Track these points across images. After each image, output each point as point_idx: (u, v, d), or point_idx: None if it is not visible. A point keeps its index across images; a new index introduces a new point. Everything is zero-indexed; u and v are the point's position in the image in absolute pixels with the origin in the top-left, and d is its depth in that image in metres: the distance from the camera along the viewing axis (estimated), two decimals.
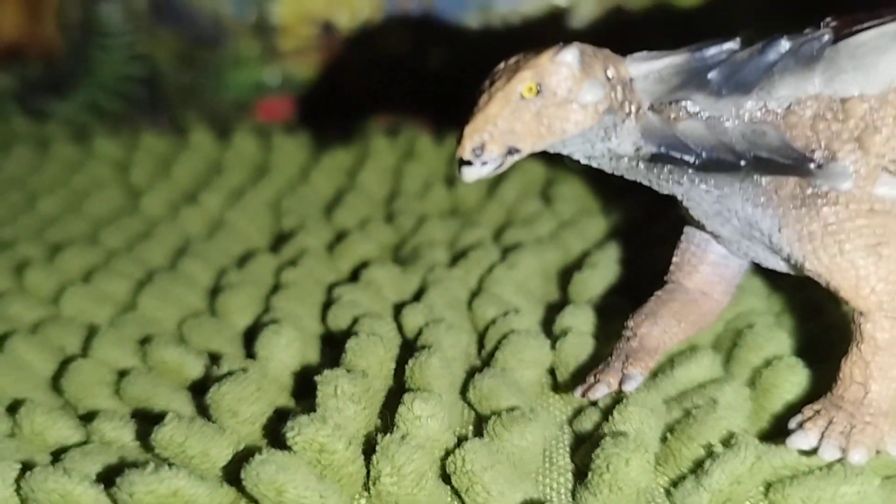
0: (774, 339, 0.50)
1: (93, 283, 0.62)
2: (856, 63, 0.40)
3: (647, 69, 0.42)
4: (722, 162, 0.41)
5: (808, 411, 0.43)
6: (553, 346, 0.51)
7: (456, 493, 0.42)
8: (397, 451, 0.41)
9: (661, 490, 0.44)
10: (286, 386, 0.50)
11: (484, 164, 0.39)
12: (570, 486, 0.44)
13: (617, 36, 0.89)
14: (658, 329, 0.46)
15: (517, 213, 0.71)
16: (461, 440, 0.43)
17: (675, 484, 0.43)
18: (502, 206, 0.73)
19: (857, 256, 0.41)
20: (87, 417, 0.48)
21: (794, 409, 0.46)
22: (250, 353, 0.52)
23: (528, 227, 0.67)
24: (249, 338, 0.55)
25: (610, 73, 0.41)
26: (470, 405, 0.48)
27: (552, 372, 0.52)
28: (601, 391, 0.43)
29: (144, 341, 0.54)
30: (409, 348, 0.51)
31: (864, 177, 0.41)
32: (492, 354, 0.51)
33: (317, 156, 0.84)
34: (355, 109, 0.95)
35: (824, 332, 0.52)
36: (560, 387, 0.51)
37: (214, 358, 0.52)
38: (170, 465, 0.40)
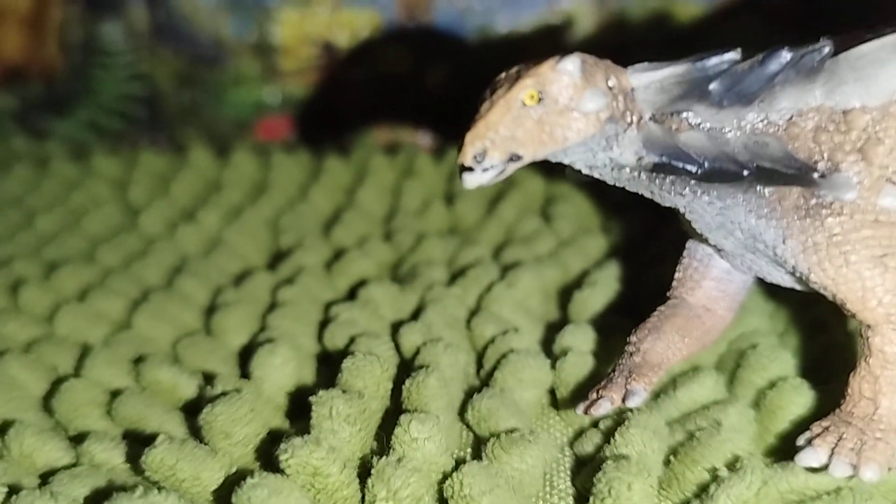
0: (778, 359, 0.49)
1: (88, 302, 0.61)
2: (857, 74, 0.40)
3: (649, 79, 0.41)
4: (724, 172, 0.41)
5: (816, 428, 0.42)
6: (553, 366, 0.50)
7: None
8: (393, 474, 0.40)
9: None
10: (281, 406, 0.49)
11: (485, 170, 0.39)
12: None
13: (616, 50, 0.88)
14: (661, 344, 0.45)
15: (516, 232, 0.70)
16: (459, 463, 0.42)
17: None
18: (501, 224, 0.72)
19: (863, 268, 0.40)
20: (79, 439, 0.47)
21: (800, 429, 0.45)
22: (245, 373, 0.52)
23: (528, 246, 0.66)
24: (245, 357, 0.54)
25: (611, 82, 0.41)
26: (468, 426, 0.47)
27: (552, 392, 0.51)
28: (604, 407, 0.42)
29: (138, 361, 0.53)
30: (406, 368, 0.51)
31: (868, 188, 0.40)
32: (491, 374, 0.50)
33: (315, 174, 0.83)
34: (354, 127, 0.94)
35: (829, 352, 0.51)
36: (560, 407, 0.50)
37: (209, 378, 0.51)
38: (159, 488, 0.39)
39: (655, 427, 0.44)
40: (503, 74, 0.41)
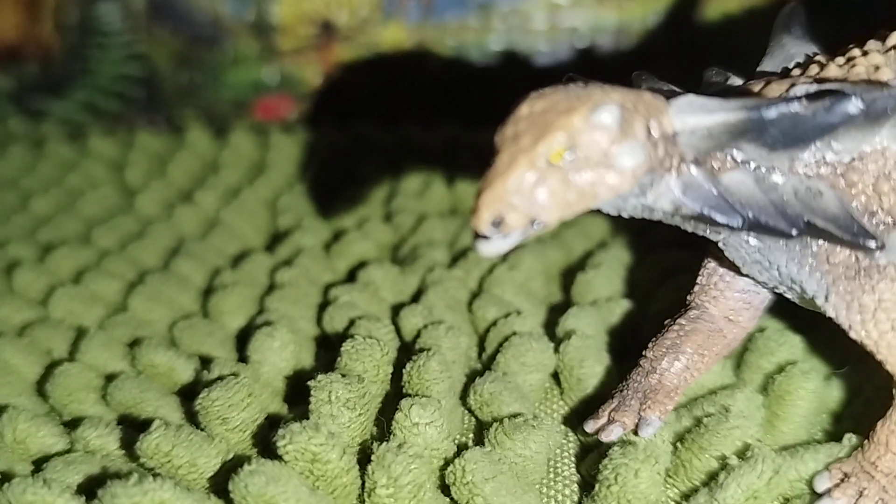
0: (787, 343, 0.48)
1: (83, 285, 0.60)
2: None
3: (696, 124, 0.36)
4: (771, 229, 0.36)
5: (836, 473, 0.40)
6: (556, 350, 0.49)
7: (455, 503, 0.41)
8: (394, 460, 0.39)
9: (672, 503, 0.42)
10: (279, 391, 0.49)
11: (503, 237, 0.34)
12: (576, 497, 0.42)
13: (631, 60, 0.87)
14: (680, 365, 0.43)
15: None
16: (461, 449, 0.41)
17: (686, 497, 0.41)
18: None
19: None
20: (73, 424, 0.46)
21: (807, 417, 0.45)
22: (243, 357, 0.51)
23: None
24: (243, 340, 0.53)
25: (653, 128, 0.35)
26: (470, 411, 0.46)
27: (556, 376, 0.50)
28: (616, 433, 0.40)
29: (134, 344, 0.52)
30: (407, 351, 0.50)
31: None
32: (493, 358, 0.49)
33: (314, 154, 0.82)
34: (355, 109, 0.93)
35: (837, 337, 0.49)
36: (564, 391, 0.49)
37: (206, 362, 0.50)
38: (154, 475, 0.38)
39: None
40: (524, 109, 0.35)
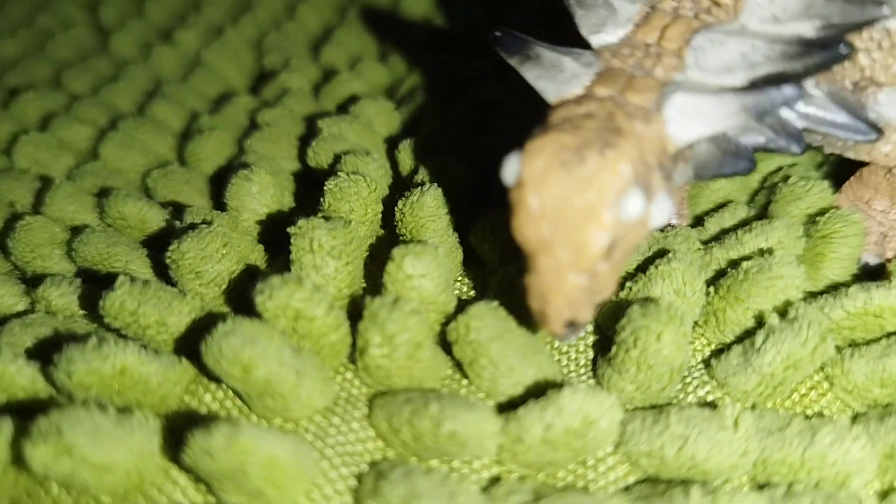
0: (816, 187, 0.43)
1: (50, 131, 0.55)
2: None
3: (695, 136, 0.33)
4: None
5: None
6: None
7: (458, 363, 0.37)
8: (388, 317, 0.34)
9: (699, 358, 0.38)
10: (259, 240, 0.44)
11: (578, 328, 0.33)
12: (590, 357, 0.38)
13: None
14: None
15: None
16: (464, 304, 0.37)
17: (716, 353, 0.37)
18: None
19: None
20: (37, 282, 0.41)
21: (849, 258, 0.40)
22: (221, 206, 0.46)
23: None
24: (222, 188, 0.48)
25: (662, 167, 0.32)
26: (472, 251, 0.42)
27: None
28: None
29: (104, 195, 0.48)
30: (403, 189, 0.44)
31: None
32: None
33: None
34: None
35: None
36: None
37: (181, 212, 0.45)
38: (118, 338, 0.34)
39: (692, 258, 0.38)
40: (533, 202, 0.31)
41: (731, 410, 0.33)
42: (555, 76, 0.35)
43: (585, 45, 0.37)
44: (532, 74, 0.35)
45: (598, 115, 0.32)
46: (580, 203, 0.30)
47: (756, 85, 0.33)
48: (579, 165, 0.30)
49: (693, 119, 0.33)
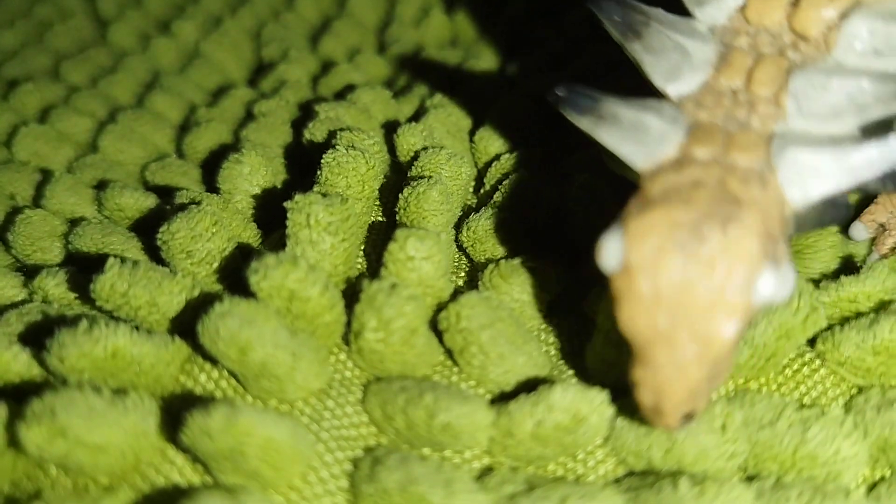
0: None
1: (49, 123, 0.55)
2: None
3: (810, 198, 0.29)
4: None
5: (871, 224, 0.38)
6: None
7: (448, 351, 0.37)
8: (386, 301, 0.34)
9: None
10: (252, 220, 0.44)
11: (694, 419, 0.30)
12: (578, 346, 0.39)
13: None
14: None
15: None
16: (457, 292, 0.37)
17: None
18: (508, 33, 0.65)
19: None
20: (35, 274, 0.42)
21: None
22: (215, 192, 0.46)
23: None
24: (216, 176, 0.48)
25: (784, 234, 0.29)
26: (462, 248, 0.42)
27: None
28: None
29: (102, 187, 0.48)
30: (400, 173, 0.45)
31: None
32: (490, 195, 0.45)
33: None
34: None
35: None
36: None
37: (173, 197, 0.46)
38: (110, 320, 0.34)
39: None
40: (645, 287, 0.27)
41: (720, 409, 0.33)
42: (640, 138, 0.30)
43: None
44: (612, 139, 0.30)
45: (707, 183, 0.28)
46: (705, 289, 0.26)
47: (869, 131, 0.29)
48: (699, 245, 0.26)
49: (811, 178, 0.29)
